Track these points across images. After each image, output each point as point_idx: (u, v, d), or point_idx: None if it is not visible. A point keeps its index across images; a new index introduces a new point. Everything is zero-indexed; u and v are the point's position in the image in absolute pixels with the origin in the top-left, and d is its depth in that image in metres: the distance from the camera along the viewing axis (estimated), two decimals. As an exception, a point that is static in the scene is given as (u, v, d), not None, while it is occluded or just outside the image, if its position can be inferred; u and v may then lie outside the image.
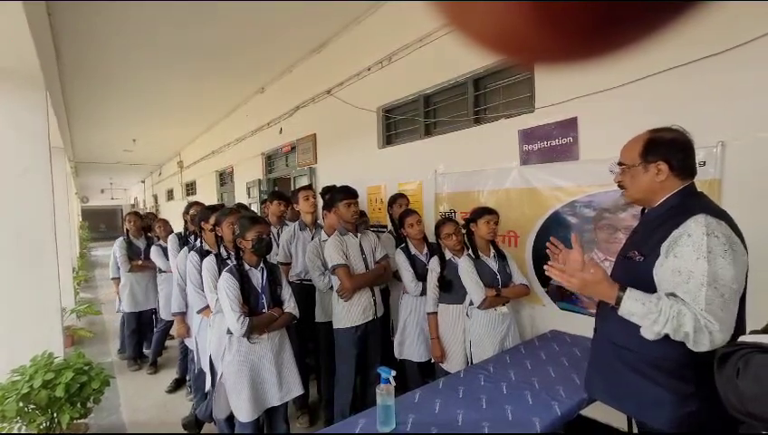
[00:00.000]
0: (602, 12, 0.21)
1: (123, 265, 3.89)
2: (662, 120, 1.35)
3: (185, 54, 4.41)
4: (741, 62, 1.69)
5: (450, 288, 2.31)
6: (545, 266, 1.30)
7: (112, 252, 4.04)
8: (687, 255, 1.11)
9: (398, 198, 3.05)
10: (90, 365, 2.45)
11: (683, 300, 1.11)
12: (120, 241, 3.96)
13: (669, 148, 1.23)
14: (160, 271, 3.71)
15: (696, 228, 1.12)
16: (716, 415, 0.84)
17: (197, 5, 3.34)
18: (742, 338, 0.82)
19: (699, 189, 1.29)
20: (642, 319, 1.15)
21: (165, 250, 3.67)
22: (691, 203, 1.20)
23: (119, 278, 4.00)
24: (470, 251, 2.28)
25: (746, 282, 1.18)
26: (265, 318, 2.02)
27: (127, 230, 4.00)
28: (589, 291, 1.23)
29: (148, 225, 4.17)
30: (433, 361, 2.40)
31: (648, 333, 1.16)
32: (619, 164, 1.33)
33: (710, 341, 1.07)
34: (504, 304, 2.22)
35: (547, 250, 1.42)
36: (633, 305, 1.16)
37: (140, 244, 4.02)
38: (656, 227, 1.23)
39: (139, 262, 3.93)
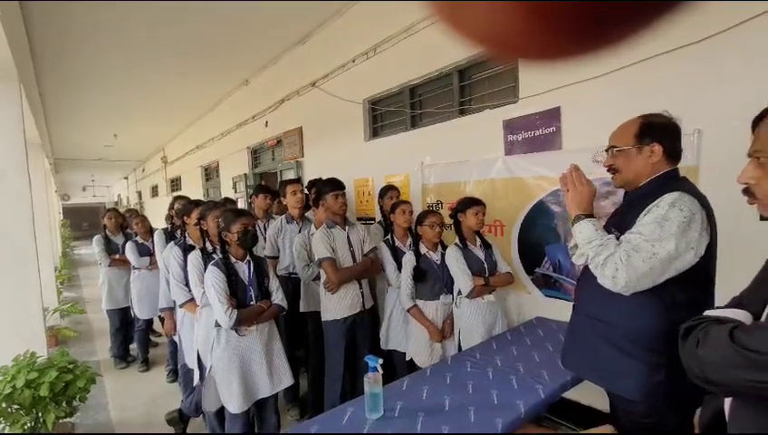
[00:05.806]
0: (596, 9, 0.21)
1: (102, 262, 3.89)
2: (641, 108, 1.38)
3: (166, 48, 4.29)
4: (716, 51, 1.73)
5: (424, 278, 2.32)
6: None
7: (93, 250, 4.05)
8: (648, 219, 1.19)
9: (388, 190, 3.05)
10: (74, 364, 2.42)
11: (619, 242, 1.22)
12: (97, 238, 3.97)
13: (663, 131, 1.28)
14: (134, 268, 3.68)
15: (666, 200, 1.18)
16: (683, 385, 0.89)
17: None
18: (706, 313, 0.87)
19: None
20: (584, 239, 1.28)
21: (140, 246, 3.67)
22: (672, 184, 1.24)
23: None
24: (458, 240, 2.30)
25: (714, 264, 1.24)
26: (254, 310, 2.02)
27: (105, 226, 3.99)
28: (581, 198, 1.33)
29: (126, 222, 4.16)
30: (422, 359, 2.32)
31: (578, 254, 1.30)
32: (611, 148, 1.35)
33: (612, 278, 1.17)
34: (490, 293, 2.25)
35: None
36: (588, 227, 1.29)
37: (118, 240, 4.02)
38: (635, 206, 1.27)
39: (117, 256, 3.92)
